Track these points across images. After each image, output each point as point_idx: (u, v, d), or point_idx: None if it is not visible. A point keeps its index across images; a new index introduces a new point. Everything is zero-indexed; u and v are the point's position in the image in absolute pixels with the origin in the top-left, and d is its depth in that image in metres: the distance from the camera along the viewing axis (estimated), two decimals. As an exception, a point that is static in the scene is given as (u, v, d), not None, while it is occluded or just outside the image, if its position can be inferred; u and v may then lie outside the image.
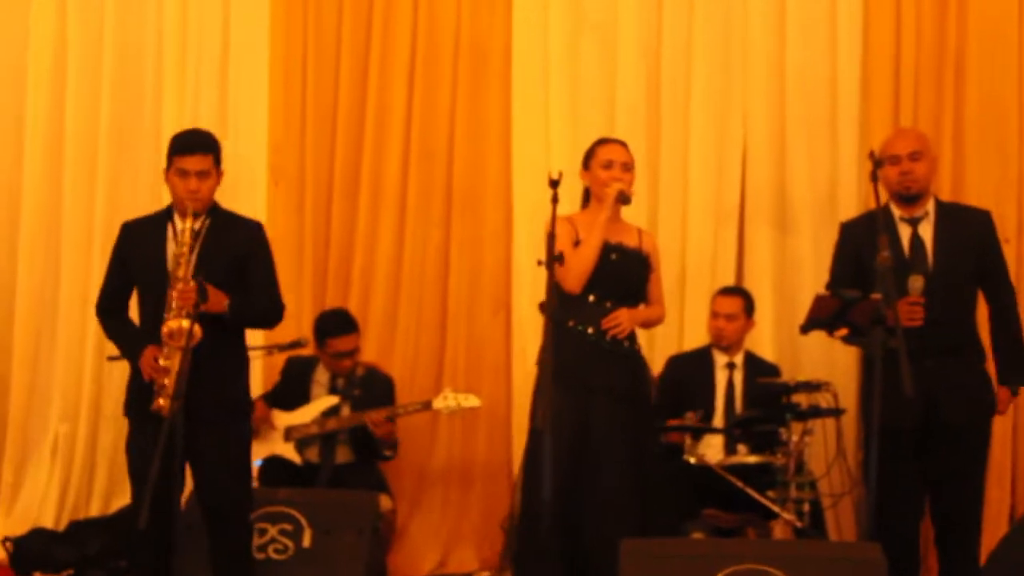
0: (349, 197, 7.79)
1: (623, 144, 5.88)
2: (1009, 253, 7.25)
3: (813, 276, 7.45)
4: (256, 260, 5.41)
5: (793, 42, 7.62)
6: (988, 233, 5.61)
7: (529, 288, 7.54)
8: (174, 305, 5.11)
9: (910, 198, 5.51)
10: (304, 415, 7.00)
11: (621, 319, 5.59)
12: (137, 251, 5.34)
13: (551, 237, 5.15)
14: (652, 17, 7.70)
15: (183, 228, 5.18)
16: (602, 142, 5.88)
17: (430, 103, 7.79)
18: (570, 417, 5.28)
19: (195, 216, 5.24)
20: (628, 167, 5.76)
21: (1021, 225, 7.39)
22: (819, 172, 7.60)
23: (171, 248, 5.25)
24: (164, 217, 5.37)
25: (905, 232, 5.48)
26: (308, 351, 7.13)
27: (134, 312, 5.48)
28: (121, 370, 7.36)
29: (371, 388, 7.09)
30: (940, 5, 7.46)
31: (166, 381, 5.03)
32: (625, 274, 5.67)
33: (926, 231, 5.49)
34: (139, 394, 5.23)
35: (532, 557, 5.31)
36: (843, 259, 5.67)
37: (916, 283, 5.28)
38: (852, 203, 7.49)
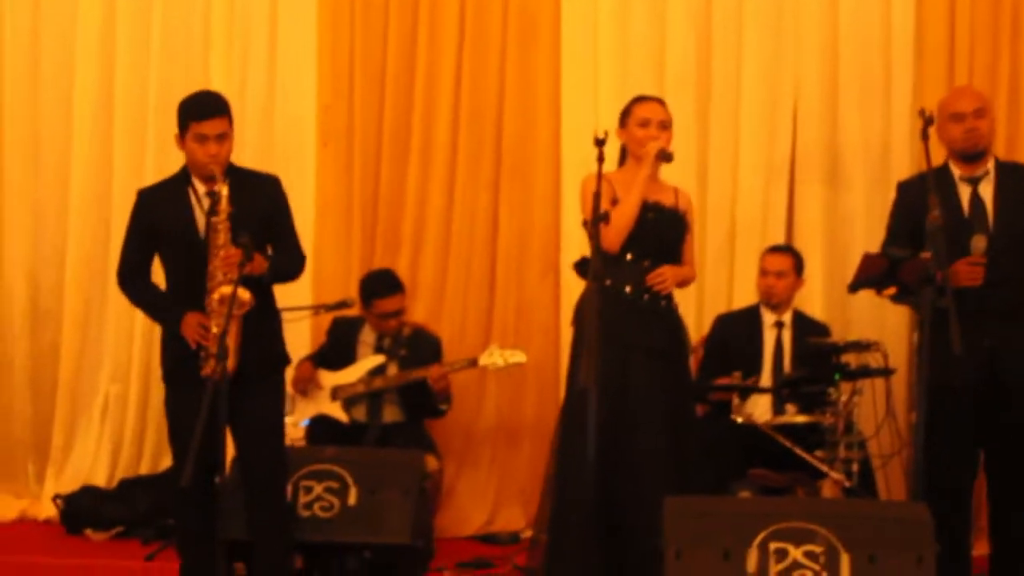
0: (398, 158, 7.78)
1: (660, 101, 5.79)
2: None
3: (864, 234, 7.42)
4: (280, 215, 5.41)
5: (846, -1, 7.53)
6: None
7: (578, 249, 7.41)
8: (220, 274, 5.10)
9: (975, 156, 5.42)
10: (350, 374, 7.02)
11: (666, 275, 5.52)
12: (161, 218, 5.30)
13: (596, 196, 5.10)
14: (702, -28, 7.62)
15: (218, 194, 5.15)
16: (639, 100, 5.78)
17: (479, 64, 7.76)
18: (608, 376, 5.22)
19: (213, 178, 5.21)
20: (665, 125, 5.66)
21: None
22: (871, 129, 7.53)
23: (199, 211, 5.24)
24: (183, 181, 5.34)
25: (965, 192, 5.40)
26: (354, 311, 7.13)
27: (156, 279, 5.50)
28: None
29: (418, 348, 7.10)
30: (996, -39, 7.35)
31: (215, 348, 4.98)
32: (662, 233, 5.59)
33: (986, 191, 5.40)
34: (178, 360, 5.24)
35: (571, 517, 5.27)
36: (899, 218, 5.57)
37: (979, 243, 5.22)
38: (904, 161, 7.44)
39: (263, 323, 5.29)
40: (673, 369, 5.59)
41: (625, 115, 5.73)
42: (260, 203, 5.32)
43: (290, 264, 5.43)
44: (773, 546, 4.62)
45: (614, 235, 5.43)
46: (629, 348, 5.43)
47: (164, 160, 7.79)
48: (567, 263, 7.54)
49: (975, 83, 7.27)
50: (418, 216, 7.76)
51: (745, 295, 7.41)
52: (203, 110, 5.25)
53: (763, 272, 6.99)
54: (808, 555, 4.60)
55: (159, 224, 5.30)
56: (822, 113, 7.57)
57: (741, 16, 7.62)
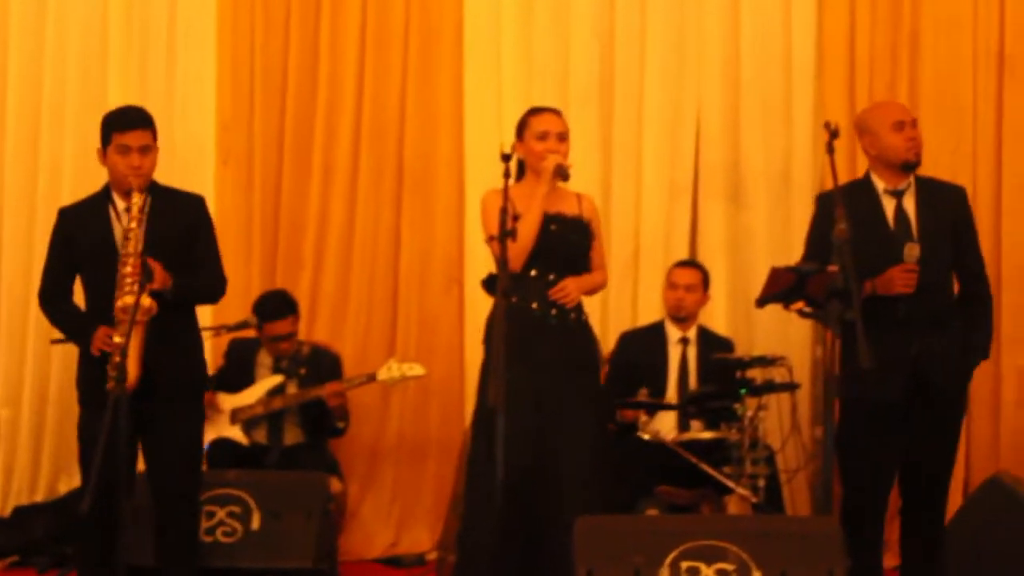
0: (299, 176, 7.68)
1: (557, 112, 5.67)
2: (965, 228, 7.29)
3: (767, 251, 7.47)
4: (201, 234, 5.33)
5: (748, 16, 7.58)
6: (964, 208, 5.55)
7: (481, 264, 7.40)
8: (127, 281, 5.00)
9: (914, 166, 5.41)
10: (249, 396, 6.90)
11: (568, 288, 5.44)
12: (82, 234, 5.22)
13: (503, 212, 5.02)
14: (606, -9, 7.62)
15: (134, 203, 5.08)
16: (535, 112, 5.67)
17: (381, 80, 7.68)
18: (520, 394, 5.17)
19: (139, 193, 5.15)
20: (563, 137, 5.56)
21: (975, 199, 7.25)
22: (773, 147, 7.57)
23: (117, 228, 5.15)
24: (103, 198, 5.26)
25: (889, 204, 5.39)
26: (251, 333, 7.02)
27: (78, 299, 5.39)
28: (65, 353, 7.30)
29: (317, 366, 7.00)
30: (895, -20, 7.43)
31: (118, 358, 4.87)
32: (566, 244, 5.50)
33: (909, 203, 5.40)
34: (91, 380, 5.14)
35: (481, 538, 5.19)
36: (819, 230, 5.49)
37: (912, 251, 5.22)
38: (806, 178, 7.50)
39: (181, 343, 5.22)
40: (586, 383, 5.52)
41: (521, 127, 5.62)
42: (181, 220, 5.26)
43: (204, 285, 5.33)
44: (685, 565, 4.59)
45: (516, 253, 5.31)
46: (540, 365, 5.35)
47: (56, 176, 7.71)
48: (471, 278, 7.52)
49: (875, 100, 7.32)
50: (320, 233, 7.66)
51: (650, 311, 7.40)
52: (127, 121, 5.20)
53: (672, 286, 6.99)
54: (720, 573, 4.58)
55: (78, 241, 5.23)
56: (724, 131, 7.59)
57: (644, 33, 7.61)
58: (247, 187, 7.64)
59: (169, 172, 7.38)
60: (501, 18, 7.67)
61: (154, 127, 5.26)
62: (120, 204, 5.18)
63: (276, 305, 6.94)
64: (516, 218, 5.37)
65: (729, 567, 4.58)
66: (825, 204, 5.53)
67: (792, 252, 7.29)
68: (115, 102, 7.43)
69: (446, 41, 7.69)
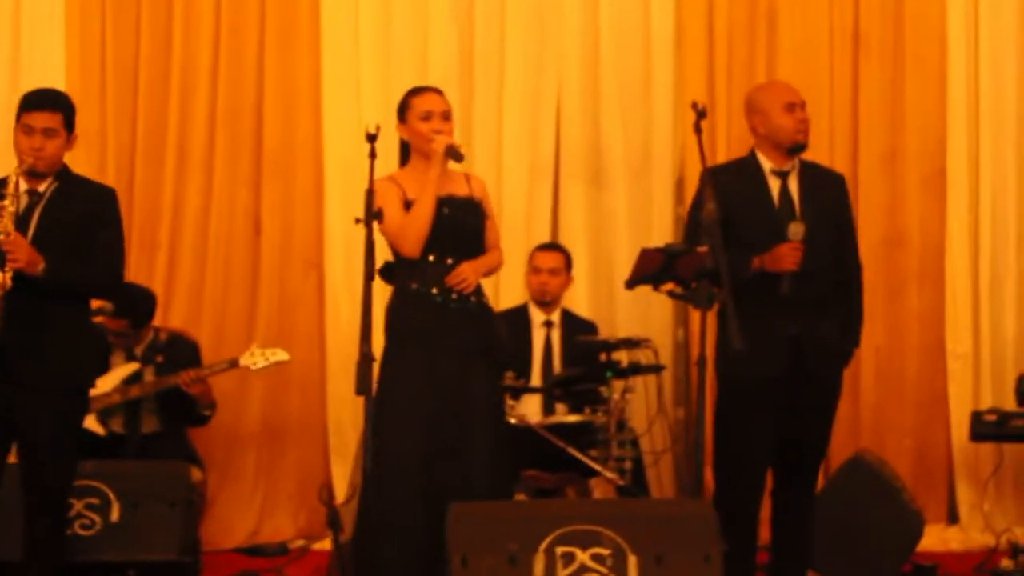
0: (154, 158, 7.50)
1: (439, 92, 5.57)
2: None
3: (628, 232, 7.49)
4: (100, 225, 5.17)
5: (607, -5, 7.55)
6: (844, 195, 5.59)
7: (342, 248, 7.40)
8: None
9: (802, 148, 5.41)
10: (104, 384, 6.68)
11: (465, 273, 5.35)
12: None
13: (369, 194, 4.94)
14: (463, -30, 7.55)
15: (10, 181, 4.97)
16: (416, 92, 5.56)
17: (237, 61, 7.53)
18: (424, 380, 5.15)
19: (39, 177, 5.06)
20: (447, 116, 5.46)
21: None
22: (633, 127, 7.58)
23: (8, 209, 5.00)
24: (6, 180, 5.09)
25: (775, 184, 5.38)
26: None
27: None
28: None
29: (174, 353, 6.81)
30: (752, -42, 7.47)
31: None
32: (461, 226, 5.41)
33: (793, 185, 5.40)
34: None
35: (384, 529, 5.11)
36: (699, 208, 5.32)
37: (797, 229, 5.21)
38: (667, 158, 7.54)
39: (60, 334, 5.03)
40: (489, 367, 5.46)
41: (403, 109, 5.50)
42: (81, 208, 5.13)
43: (86, 274, 5.11)
44: (560, 550, 4.55)
45: (413, 241, 5.25)
46: (442, 351, 5.28)
47: None
48: (331, 262, 7.46)
49: (734, 80, 7.42)
50: (175, 217, 7.48)
51: (511, 294, 7.37)
52: (34, 102, 5.10)
53: (535, 270, 6.96)
54: (595, 558, 4.55)
55: None
56: (584, 112, 7.58)
57: (504, 14, 7.56)
58: (100, 169, 7.40)
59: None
60: (359, -1, 7.58)
61: (68, 112, 5.14)
62: (23, 185, 5.06)
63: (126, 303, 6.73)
64: (407, 204, 5.30)
65: (604, 552, 4.54)
66: (712, 179, 5.50)
67: (653, 233, 7.38)
68: None
69: (303, 21, 7.56)
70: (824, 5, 7.48)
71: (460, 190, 5.46)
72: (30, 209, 5.02)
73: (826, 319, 5.36)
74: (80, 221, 5.09)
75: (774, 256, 5.19)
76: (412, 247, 5.26)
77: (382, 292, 5.30)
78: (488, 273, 5.60)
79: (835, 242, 5.44)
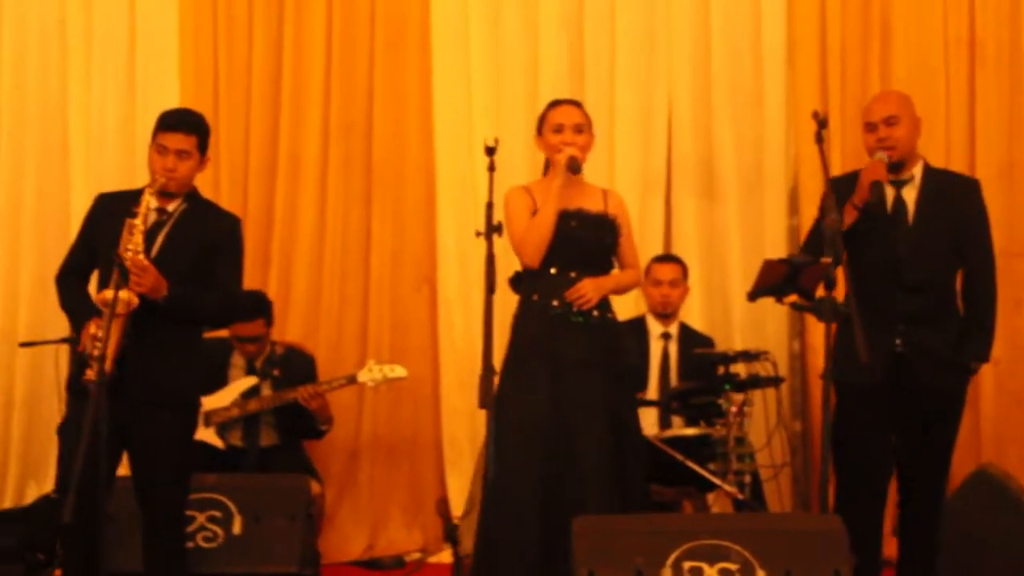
0: (266, 174, 7.56)
1: (576, 104, 5.57)
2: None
3: (740, 244, 7.46)
4: (223, 254, 5.19)
5: (717, 9, 7.53)
6: (974, 202, 5.46)
7: (455, 262, 7.42)
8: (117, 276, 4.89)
9: (892, 165, 5.33)
10: (223, 398, 6.75)
11: (584, 290, 5.30)
12: (106, 224, 5.10)
13: (489, 207, 4.93)
14: (574, -19, 7.54)
15: (144, 202, 4.98)
16: (553, 105, 5.55)
17: (348, 76, 7.57)
18: (542, 392, 5.12)
19: (168, 196, 5.11)
20: (580, 128, 5.43)
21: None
22: (745, 140, 7.52)
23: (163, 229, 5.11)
24: (138, 194, 5.12)
25: (889, 193, 5.34)
26: (224, 333, 6.87)
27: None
28: (33, 356, 7.15)
29: (291, 367, 6.86)
30: (865, -30, 7.39)
31: (95, 351, 4.78)
32: (586, 241, 5.38)
33: (909, 195, 5.35)
34: (77, 368, 5.02)
35: (503, 542, 5.11)
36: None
37: (881, 155, 5.24)
38: (779, 170, 7.47)
39: (175, 356, 5.06)
40: (610, 381, 5.37)
41: (540, 122, 5.52)
42: (206, 234, 5.16)
43: (207, 302, 5.13)
44: (687, 565, 4.51)
45: (532, 250, 5.24)
46: (561, 364, 5.24)
47: (17, 177, 7.58)
48: (444, 275, 7.48)
49: (847, 91, 7.33)
50: (288, 232, 7.53)
51: (626, 307, 7.30)
52: (170, 123, 5.14)
53: (655, 282, 6.91)
54: (723, 573, 4.50)
55: (101, 228, 5.13)
56: (696, 124, 7.54)
57: (613, 27, 7.54)
58: (213, 186, 7.45)
59: (133, 172, 7.39)
60: (469, 12, 7.60)
61: (202, 134, 5.18)
62: (152, 203, 5.08)
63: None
64: (535, 214, 5.30)
65: (732, 567, 4.50)
66: (835, 189, 5.43)
67: (766, 245, 7.32)
68: (75, 103, 7.51)
69: (413, 35, 7.59)
70: (939, 13, 7.38)
71: (593, 205, 5.44)
72: (157, 228, 5.08)
73: (937, 332, 5.26)
74: (204, 246, 5.12)
75: (860, 183, 5.18)
76: (531, 256, 5.26)
77: (500, 307, 5.28)
78: (618, 291, 5.53)
79: (952, 251, 5.34)
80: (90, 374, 4.73)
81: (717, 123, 7.53)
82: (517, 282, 5.41)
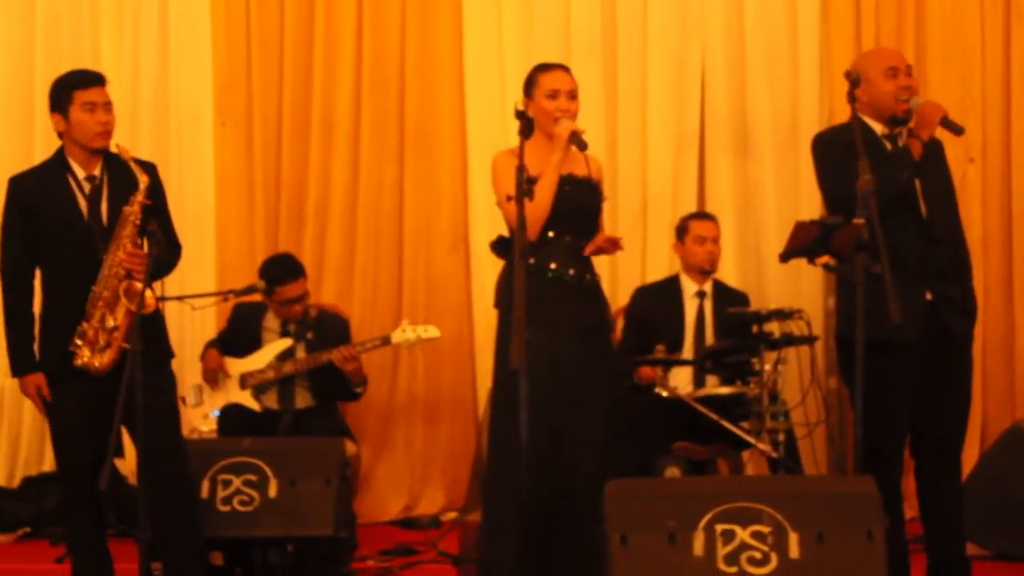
0: (299, 136, 7.57)
1: (566, 69, 5.45)
2: (974, 172, 7.25)
3: (775, 202, 7.44)
4: (159, 203, 5.18)
5: (751, -36, 7.45)
6: (946, 161, 5.40)
7: (487, 222, 7.35)
8: (121, 269, 4.94)
9: (902, 121, 5.23)
10: (258, 360, 6.80)
11: (609, 243, 5.30)
12: (44, 207, 5.03)
13: (519, 170, 4.89)
14: (606, -59, 7.48)
15: (142, 182, 5.01)
16: (543, 68, 5.43)
17: (379, 36, 7.56)
18: (539, 356, 5.01)
19: (96, 155, 5.09)
20: (573, 95, 5.34)
21: (985, 145, 7.33)
22: (780, 96, 7.48)
23: (81, 200, 5.04)
24: (59, 166, 5.10)
25: (887, 145, 5.27)
26: (257, 297, 6.90)
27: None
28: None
29: (325, 329, 6.89)
30: (901, -75, 7.32)
31: (102, 338, 4.90)
32: (581, 205, 5.33)
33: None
34: (55, 353, 5.03)
35: (506, 501, 5.11)
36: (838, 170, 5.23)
37: (916, 100, 5.15)
38: (813, 126, 7.33)
39: (149, 318, 5.04)
40: (601, 345, 5.40)
41: (530, 84, 5.39)
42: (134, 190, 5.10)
43: (170, 256, 5.21)
44: (719, 528, 4.49)
45: (535, 218, 5.15)
46: (559, 327, 5.23)
47: (50, 146, 7.46)
48: (476, 235, 7.46)
49: (882, 45, 7.24)
50: (322, 193, 7.54)
51: (658, 266, 7.36)
52: (88, 78, 5.10)
53: (699, 239, 6.85)
54: (755, 535, 4.48)
55: (40, 213, 5.04)
56: (730, 81, 7.49)
57: (646, -17, 7.49)
58: (247, 148, 7.53)
59: (166, 135, 7.44)
60: (501, -30, 7.55)
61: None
62: (80, 172, 5.07)
63: (287, 268, 6.81)
64: (530, 179, 5.24)
65: (765, 529, 4.48)
66: (830, 144, 5.37)
67: (801, 202, 7.31)
68: (109, 66, 7.41)
69: (445, -8, 7.57)
70: (975, -32, 7.32)
71: (580, 169, 5.35)
72: (96, 194, 5.05)
73: (956, 280, 5.24)
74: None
75: (921, 118, 5.11)
76: (533, 226, 5.13)
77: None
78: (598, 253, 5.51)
79: (952, 206, 5.33)
80: (104, 359, 4.89)
81: (751, 80, 7.48)
82: (503, 246, 5.37)
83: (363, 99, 7.56)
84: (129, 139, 7.39)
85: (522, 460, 4.70)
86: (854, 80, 5.08)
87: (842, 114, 7.07)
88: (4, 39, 7.66)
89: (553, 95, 5.32)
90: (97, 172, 5.08)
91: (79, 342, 4.96)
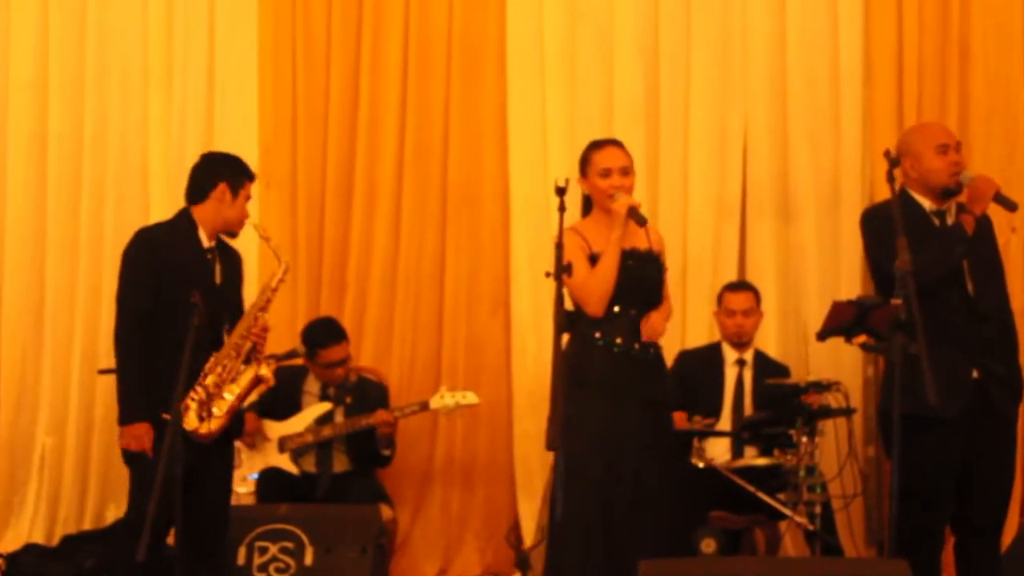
0: (342, 198, 7.62)
1: (619, 145, 5.52)
2: (1016, 242, 7.19)
3: (817, 268, 7.41)
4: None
5: (794, 31, 7.47)
6: (995, 237, 5.45)
7: (528, 287, 7.42)
8: (247, 343, 5.18)
9: (954, 192, 5.27)
10: (297, 424, 6.82)
11: (659, 326, 5.38)
12: (173, 261, 5.21)
13: (559, 247, 4.95)
14: (649, 8, 7.53)
15: (276, 274, 5.31)
16: (596, 146, 5.50)
17: (424, 100, 7.61)
18: (606, 430, 5.16)
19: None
20: (627, 171, 5.41)
21: (1028, 214, 7.26)
22: (822, 162, 7.46)
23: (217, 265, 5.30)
24: (189, 226, 5.30)
25: (935, 222, 5.28)
26: (298, 361, 6.93)
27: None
28: (110, 380, 7.24)
29: (364, 394, 6.93)
30: (942, -9, 7.32)
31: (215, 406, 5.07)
32: (644, 279, 5.40)
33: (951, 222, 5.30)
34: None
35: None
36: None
37: (967, 174, 5.21)
38: (856, 193, 7.41)
39: None
40: (663, 419, 5.49)
41: (584, 164, 5.45)
42: (238, 266, 5.48)
43: None
44: (751, 609, 4.50)
45: (596, 300, 5.25)
46: (625, 401, 5.28)
47: (99, 200, 7.69)
48: (517, 300, 7.49)
49: (924, 114, 7.27)
50: (364, 256, 7.59)
51: (698, 332, 7.34)
52: (252, 172, 5.42)
53: (728, 312, 6.89)
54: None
55: (167, 267, 5.19)
56: (772, 147, 7.49)
57: (689, 51, 7.52)
58: (291, 210, 7.59)
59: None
60: (544, 36, 7.59)
61: None
62: (205, 241, 5.29)
63: (330, 331, 6.88)
64: (592, 257, 5.31)
65: (797, 611, 4.49)
66: (877, 220, 5.38)
67: (842, 271, 7.30)
68: (156, 125, 7.60)
69: (489, 60, 7.62)
70: (1018, 33, 7.31)
71: (641, 243, 5.44)
72: (212, 263, 5.35)
73: (999, 358, 5.23)
74: (239, 276, 5.52)
75: (974, 193, 5.13)
76: (596, 307, 5.26)
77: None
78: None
79: (1000, 282, 5.32)
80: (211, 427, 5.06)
81: (793, 146, 7.48)
82: (571, 321, 5.40)
83: (406, 163, 7.61)
84: (177, 200, 7.47)
85: (553, 532, 4.76)
86: (893, 160, 5.10)
87: (884, 182, 7.10)
88: (55, 97, 7.75)
89: (606, 173, 5.38)
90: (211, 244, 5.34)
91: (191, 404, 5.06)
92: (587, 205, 5.51)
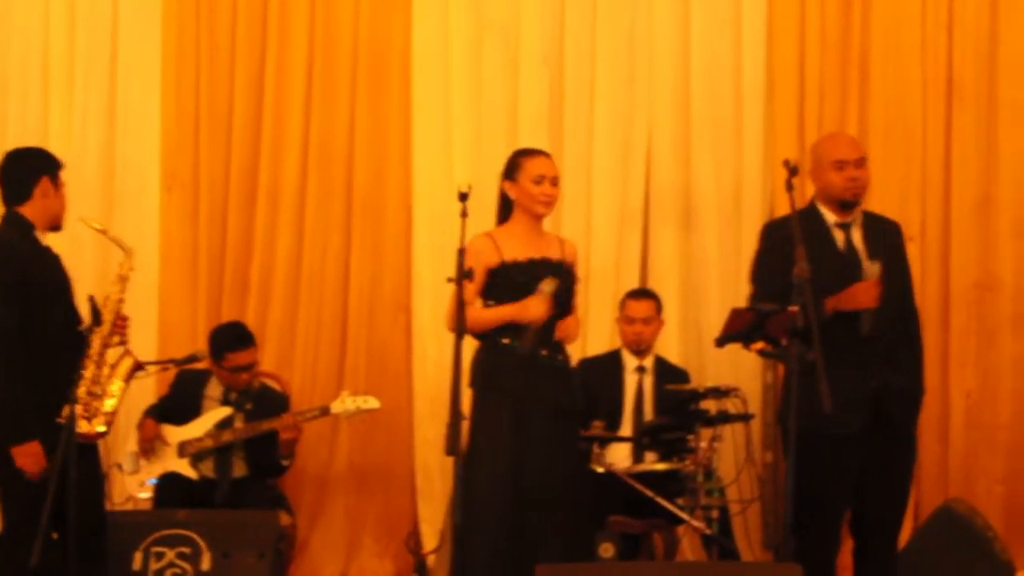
0: (246, 202, 7.59)
1: (549, 156, 5.61)
2: (913, 251, 7.28)
3: (719, 277, 7.48)
4: None
5: (698, 44, 7.55)
6: (902, 243, 5.57)
7: (430, 292, 7.42)
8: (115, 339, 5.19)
9: (852, 205, 5.38)
10: (197, 428, 6.76)
11: (574, 330, 5.48)
12: (37, 272, 5.16)
13: (461, 253, 4.98)
14: (555, 18, 7.58)
15: (124, 263, 5.28)
16: (529, 153, 5.56)
17: (329, 105, 7.60)
18: (513, 436, 5.18)
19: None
20: (556, 182, 5.49)
21: (924, 224, 7.38)
22: (724, 173, 7.54)
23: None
24: (28, 229, 5.22)
25: (839, 236, 5.37)
26: (202, 365, 6.89)
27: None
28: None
29: (264, 402, 6.87)
30: (844, 7, 7.43)
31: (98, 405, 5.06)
32: (557, 289, 5.38)
33: (856, 236, 5.38)
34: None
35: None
36: (771, 265, 5.44)
37: (873, 268, 5.22)
38: (757, 203, 7.49)
39: None
40: (570, 426, 5.52)
41: (513, 168, 5.47)
42: None
43: None
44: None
45: (477, 331, 5.31)
46: (530, 408, 5.29)
47: None
48: (419, 306, 7.48)
49: (825, 127, 7.34)
50: (267, 260, 7.56)
51: (600, 339, 7.37)
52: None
53: (628, 320, 6.95)
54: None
55: (35, 278, 5.15)
56: (675, 158, 7.55)
57: (594, 61, 7.57)
58: (192, 215, 7.54)
59: (111, 199, 7.43)
60: (450, 43, 7.61)
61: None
62: (43, 241, 5.25)
63: (238, 335, 6.83)
64: (502, 262, 5.34)
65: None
66: (773, 237, 5.50)
67: (743, 278, 7.27)
68: (56, 128, 7.51)
69: (394, 65, 7.63)
70: (917, 52, 7.41)
71: (554, 253, 5.47)
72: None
73: (901, 372, 5.32)
74: None
75: (850, 294, 5.17)
76: (468, 333, 5.22)
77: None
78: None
79: (900, 290, 5.41)
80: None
81: (696, 157, 7.55)
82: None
83: (310, 167, 7.59)
84: (74, 202, 7.37)
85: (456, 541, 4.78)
86: (792, 169, 5.16)
87: (784, 192, 7.19)
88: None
89: (539, 180, 5.43)
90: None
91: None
92: (505, 210, 5.52)
